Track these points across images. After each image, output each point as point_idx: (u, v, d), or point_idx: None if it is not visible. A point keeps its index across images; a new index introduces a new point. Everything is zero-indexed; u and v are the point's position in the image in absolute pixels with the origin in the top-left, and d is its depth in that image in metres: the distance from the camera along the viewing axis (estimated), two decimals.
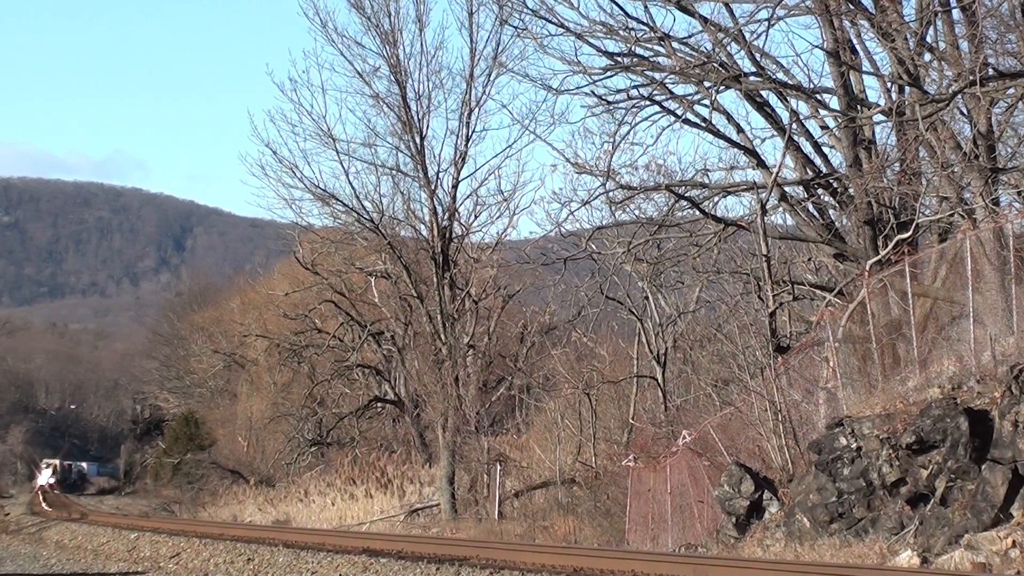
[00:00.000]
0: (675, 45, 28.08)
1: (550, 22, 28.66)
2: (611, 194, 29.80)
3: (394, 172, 46.10)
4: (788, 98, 28.08)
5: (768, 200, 27.52)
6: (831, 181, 27.85)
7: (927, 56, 25.73)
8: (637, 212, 32.20)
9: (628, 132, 28.48)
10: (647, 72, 28.73)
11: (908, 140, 25.21)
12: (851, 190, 26.91)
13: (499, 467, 40.91)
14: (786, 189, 28.69)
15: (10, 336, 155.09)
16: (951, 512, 17.78)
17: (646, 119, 28.71)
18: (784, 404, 24.41)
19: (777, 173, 27.56)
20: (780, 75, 28.00)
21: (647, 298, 39.38)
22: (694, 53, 28.08)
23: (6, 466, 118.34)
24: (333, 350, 59.35)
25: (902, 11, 25.32)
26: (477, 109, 44.73)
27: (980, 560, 16.17)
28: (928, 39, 25.46)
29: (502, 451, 43.19)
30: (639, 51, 28.66)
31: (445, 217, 45.48)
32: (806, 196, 29.02)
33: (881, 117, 27.09)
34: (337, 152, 45.77)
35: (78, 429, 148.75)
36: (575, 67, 28.64)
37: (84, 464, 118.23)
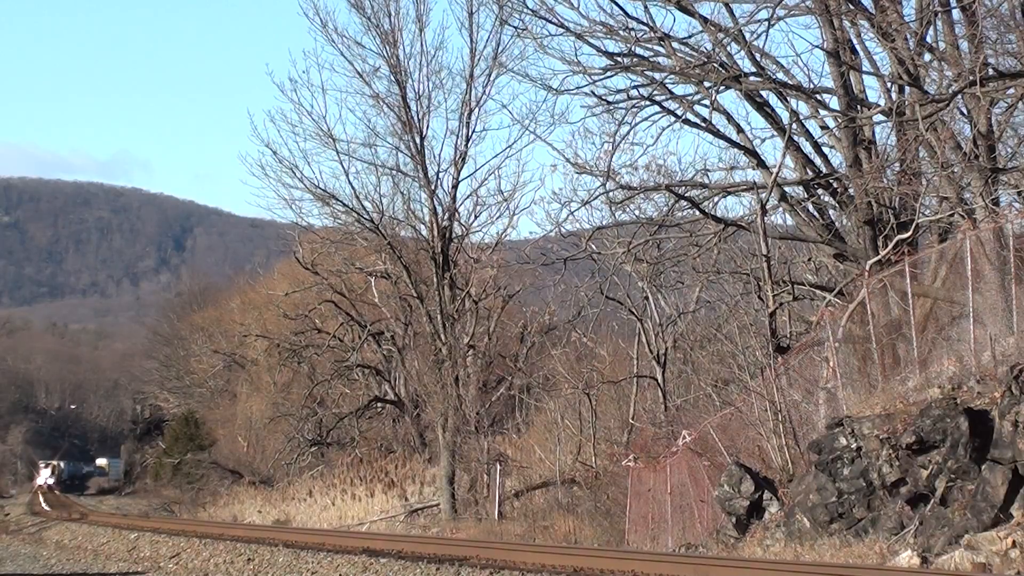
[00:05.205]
0: (675, 45, 28.08)
1: (550, 22, 28.68)
2: (611, 194, 29.80)
3: (394, 172, 46.13)
4: (788, 98, 28.07)
5: (768, 200, 27.51)
6: (831, 181, 27.83)
7: (927, 56, 25.73)
8: (637, 212, 32.21)
9: (628, 132, 28.52)
10: (647, 72, 28.72)
11: (908, 140, 25.19)
12: (851, 190, 26.91)
13: (499, 467, 40.89)
14: (786, 189, 28.67)
15: (10, 336, 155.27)
16: (951, 512, 17.77)
17: (646, 119, 28.74)
18: (784, 404, 24.39)
19: (777, 173, 27.55)
20: (780, 75, 28.02)
21: (647, 298, 39.35)
22: (694, 53, 28.08)
23: (6, 466, 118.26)
24: (333, 350, 59.31)
25: (902, 11, 25.32)
26: (477, 109, 44.73)
27: (980, 560, 16.16)
28: (928, 39, 25.45)
29: (502, 451, 43.18)
30: (639, 51, 28.67)
31: (445, 217, 45.47)
32: (806, 196, 29.01)
33: (881, 117, 27.08)
34: (337, 152, 45.76)
35: (78, 429, 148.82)
36: (575, 67, 28.66)
37: (61, 463, 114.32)
